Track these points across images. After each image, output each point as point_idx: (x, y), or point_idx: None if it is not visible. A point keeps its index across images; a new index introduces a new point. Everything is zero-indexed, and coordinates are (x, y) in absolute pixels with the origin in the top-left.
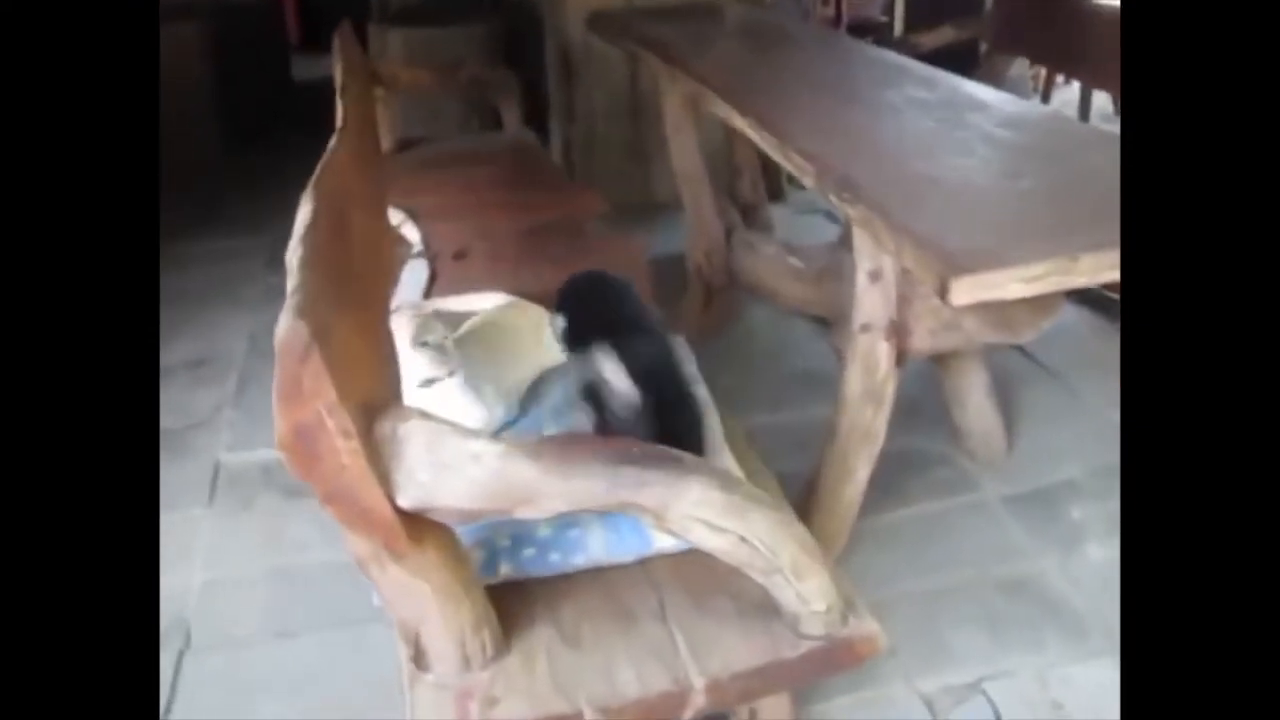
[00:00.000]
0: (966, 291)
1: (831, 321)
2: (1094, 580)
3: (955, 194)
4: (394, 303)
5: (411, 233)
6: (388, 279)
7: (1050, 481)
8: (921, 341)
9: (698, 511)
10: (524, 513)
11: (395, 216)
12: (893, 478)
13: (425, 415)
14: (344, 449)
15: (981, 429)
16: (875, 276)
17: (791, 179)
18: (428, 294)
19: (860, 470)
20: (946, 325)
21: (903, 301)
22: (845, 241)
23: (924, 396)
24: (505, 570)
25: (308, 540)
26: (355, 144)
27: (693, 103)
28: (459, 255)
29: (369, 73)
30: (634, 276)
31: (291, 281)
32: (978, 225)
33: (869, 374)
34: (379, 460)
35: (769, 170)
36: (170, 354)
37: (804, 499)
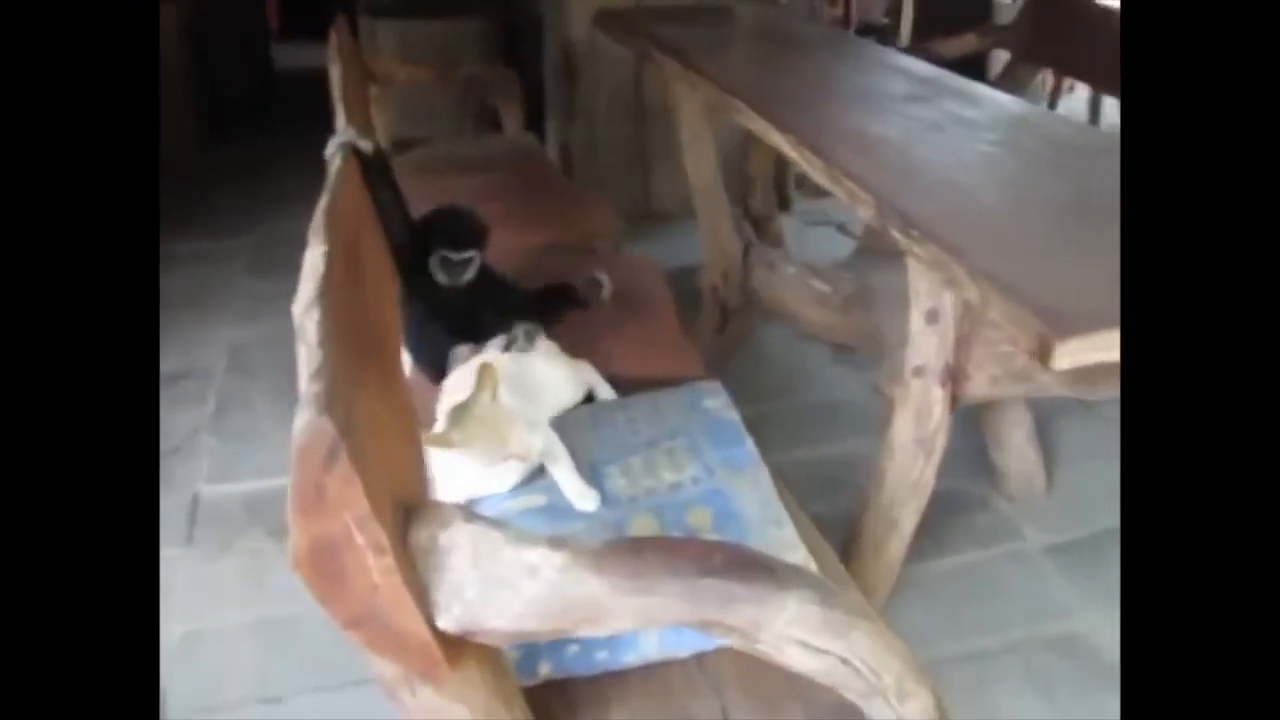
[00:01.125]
0: (1072, 355)
1: (858, 350)
2: None
3: (1036, 236)
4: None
5: None
6: (397, 310)
7: (1095, 529)
8: (980, 389)
9: (794, 631)
10: (586, 632)
11: None
12: (930, 521)
13: (470, 516)
14: (376, 567)
15: (1021, 470)
16: (932, 317)
17: (800, 186)
18: None
19: (906, 523)
20: (1014, 375)
21: (961, 344)
22: (863, 259)
23: (958, 432)
24: (545, 670)
25: (296, 587)
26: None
27: (710, 111)
28: None
29: (363, 69)
30: (657, 300)
31: (310, 360)
32: (1072, 275)
33: (921, 422)
34: (416, 577)
35: (779, 179)
36: None
37: (845, 549)
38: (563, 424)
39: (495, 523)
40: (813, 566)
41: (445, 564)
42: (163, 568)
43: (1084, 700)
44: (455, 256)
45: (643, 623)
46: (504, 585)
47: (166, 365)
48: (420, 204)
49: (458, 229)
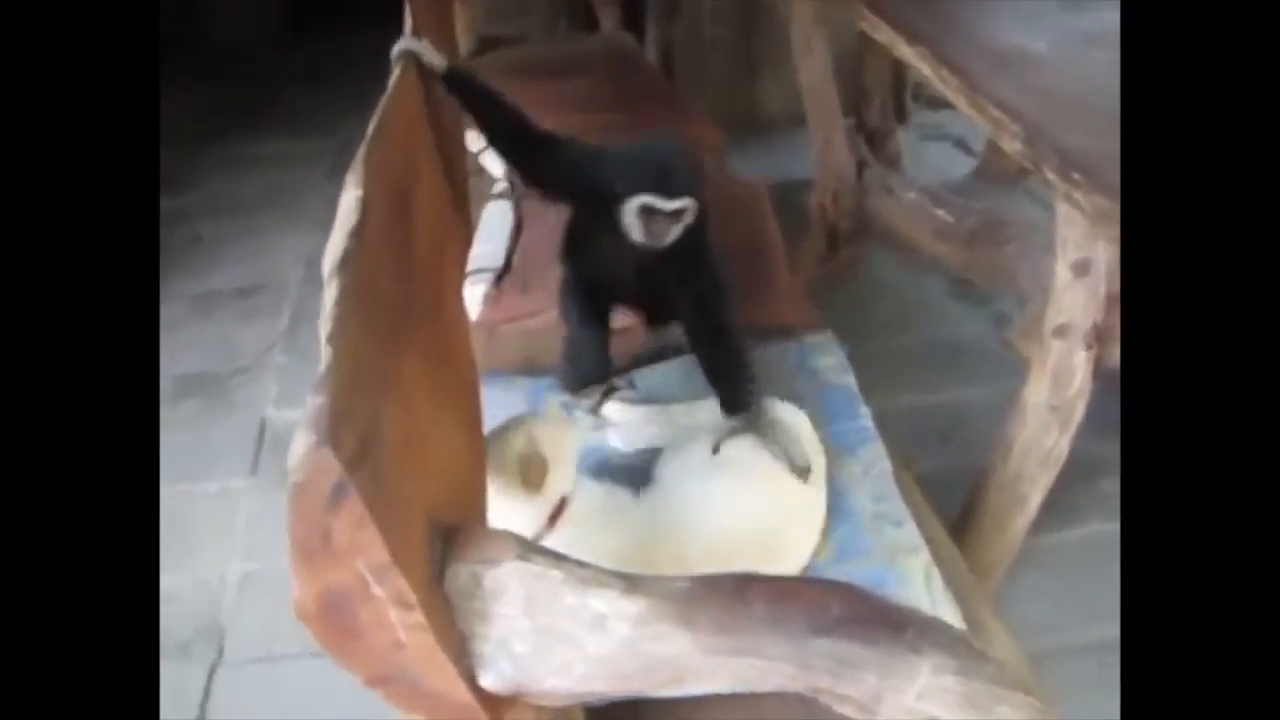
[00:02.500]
0: None
1: (979, 284)
2: None
3: None
4: (471, 264)
5: (493, 164)
6: (463, 256)
7: None
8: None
9: (925, 705)
10: (667, 693)
11: (474, 142)
12: (1053, 487)
13: (524, 549)
14: (400, 623)
15: None
16: (1081, 269)
17: (918, 98)
18: (513, 246)
19: (1034, 498)
20: None
21: (1112, 302)
22: (983, 181)
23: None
24: None
25: None
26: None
27: (825, 11)
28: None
29: None
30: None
31: (324, 356)
32: None
33: (1059, 388)
34: (453, 629)
35: (895, 88)
36: (216, 278)
37: (961, 522)
38: (651, 381)
39: (556, 559)
40: (935, 575)
41: (491, 611)
42: (226, 500)
43: None
44: (665, 206)
45: (738, 686)
46: (564, 639)
47: (241, 275)
48: None
49: (667, 167)
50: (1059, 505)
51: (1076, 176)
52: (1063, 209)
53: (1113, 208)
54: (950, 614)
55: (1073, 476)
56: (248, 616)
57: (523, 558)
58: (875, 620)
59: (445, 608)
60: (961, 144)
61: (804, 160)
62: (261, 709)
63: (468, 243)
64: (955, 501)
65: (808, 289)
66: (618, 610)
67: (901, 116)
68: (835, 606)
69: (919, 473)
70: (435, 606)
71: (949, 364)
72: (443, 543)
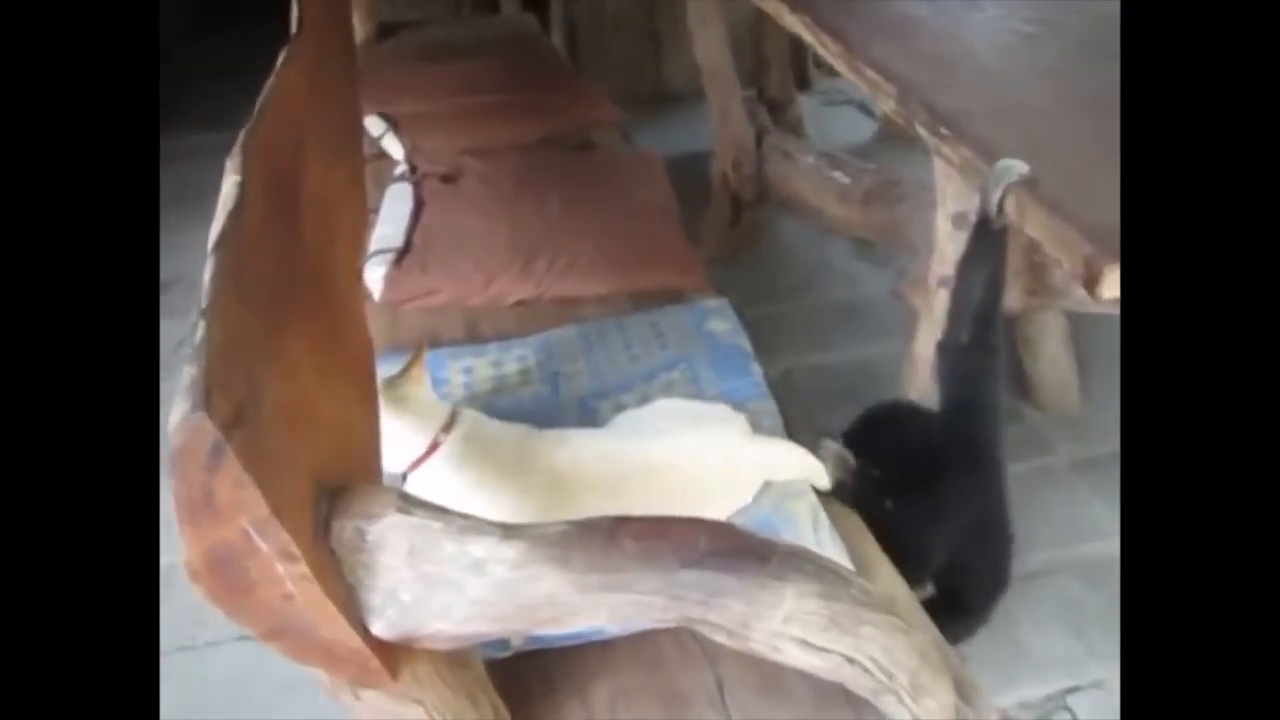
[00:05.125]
0: None
1: (878, 245)
2: None
3: (1085, 137)
4: (371, 245)
5: (394, 146)
6: (358, 249)
7: None
8: (1013, 301)
9: (791, 629)
10: (548, 630)
11: (375, 126)
12: None
13: (405, 502)
14: (287, 575)
15: (1055, 380)
16: (960, 221)
17: (820, 65)
18: (413, 227)
19: None
20: (1052, 288)
21: None
22: (886, 144)
23: None
24: (518, 641)
25: None
26: (315, 53)
27: None
28: (448, 178)
29: None
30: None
31: (198, 328)
32: None
33: None
34: (340, 580)
35: (796, 56)
36: None
37: None
38: (549, 347)
39: (435, 511)
40: (822, 517)
41: (375, 562)
42: None
43: (1117, 634)
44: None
45: (615, 621)
46: (445, 585)
47: None
48: (402, 96)
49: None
50: None
51: (945, 131)
52: (939, 165)
53: (976, 160)
54: (836, 552)
55: None
56: (171, 607)
57: (403, 511)
58: (741, 552)
59: (332, 561)
60: (864, 108)
61: (708, 132)
62: (189, 696)
63: (365, 224)
64: None
65: (715, 257)
66: (496, 555)
67: (804, 84)
68: (703, 541)
69: (826, 430)
70: (321, 559)
71: (853, 323)
72: (329, 501)
